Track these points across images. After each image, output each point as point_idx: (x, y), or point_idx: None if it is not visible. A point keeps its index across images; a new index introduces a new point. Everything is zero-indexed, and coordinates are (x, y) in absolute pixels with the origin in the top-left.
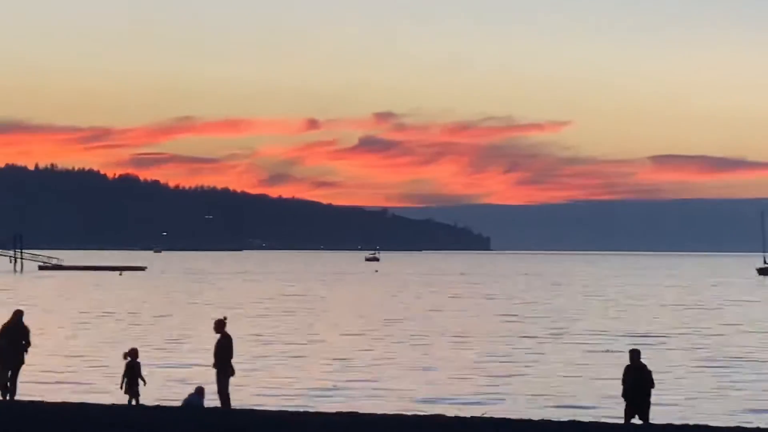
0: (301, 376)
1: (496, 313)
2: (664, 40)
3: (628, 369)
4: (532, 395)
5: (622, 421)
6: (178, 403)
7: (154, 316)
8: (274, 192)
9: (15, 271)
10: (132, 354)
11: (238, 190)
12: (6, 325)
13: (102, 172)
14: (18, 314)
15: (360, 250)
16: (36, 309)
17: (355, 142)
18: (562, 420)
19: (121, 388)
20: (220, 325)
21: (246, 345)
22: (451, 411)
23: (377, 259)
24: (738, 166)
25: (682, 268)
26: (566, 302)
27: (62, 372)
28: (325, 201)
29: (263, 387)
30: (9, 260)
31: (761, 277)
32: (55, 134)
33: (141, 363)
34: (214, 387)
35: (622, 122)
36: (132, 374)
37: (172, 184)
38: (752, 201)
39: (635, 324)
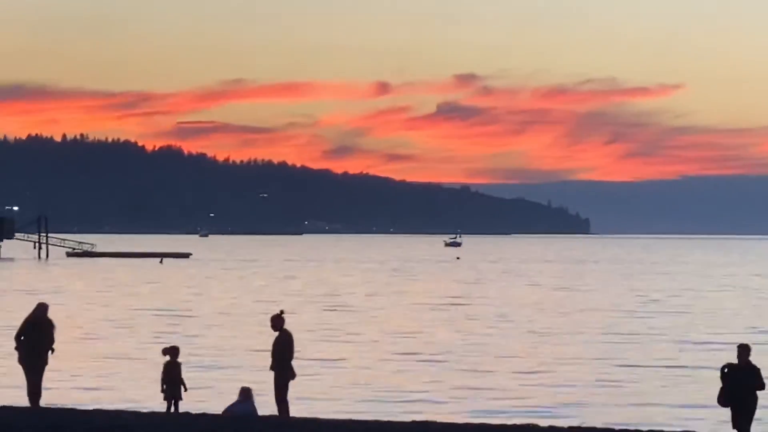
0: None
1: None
2: None
3: (731, 368)
4: None
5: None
6: (219, 411)
7: (198, 315)
8: (338, 167)
9: (39, 258)
10: (172, 352)
11: (298, 164)
12: (28, 320)
13: (140, 143)
14: (42, 308)
15: (436, 234)
16: (63, 302)
17: (433, 108)
18: None
19: (162, 391)
20: (278, 321)
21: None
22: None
23: (459, 244)
24: None
25: None
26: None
27: (92, 376)
28: (397, 177)
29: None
30: (33, 246)
31: None
32: (85, 100)
33: (182, 364)
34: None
35: (741, 87)
36: (171, 375)
37: (220, 157)
38: None
39: None
